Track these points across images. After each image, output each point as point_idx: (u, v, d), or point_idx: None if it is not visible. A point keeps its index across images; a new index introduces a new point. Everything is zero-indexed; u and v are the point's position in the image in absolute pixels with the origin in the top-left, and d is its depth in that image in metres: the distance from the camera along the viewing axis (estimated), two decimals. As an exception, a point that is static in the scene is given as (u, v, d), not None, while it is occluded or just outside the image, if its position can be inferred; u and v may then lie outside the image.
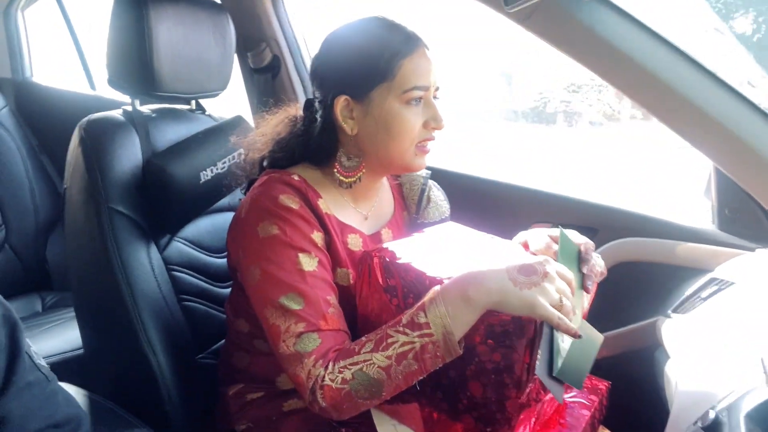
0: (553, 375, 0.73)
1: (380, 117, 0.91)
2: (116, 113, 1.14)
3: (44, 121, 2.13)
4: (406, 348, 0.76)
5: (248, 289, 0.89)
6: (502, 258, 0.78)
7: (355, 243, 0.97)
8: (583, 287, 0.87)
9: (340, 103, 0.92)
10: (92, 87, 2.18)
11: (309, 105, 0.99)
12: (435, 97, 0.95)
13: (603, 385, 1.04)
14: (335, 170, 0.96)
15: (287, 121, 1.01)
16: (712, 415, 0.59)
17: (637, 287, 1.29)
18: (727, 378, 0.73)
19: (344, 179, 0.96)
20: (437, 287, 0.78)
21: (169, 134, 1.17)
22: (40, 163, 2.10)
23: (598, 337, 0.86)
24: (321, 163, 0.98)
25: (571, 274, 0.78)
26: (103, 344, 1.08)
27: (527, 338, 0.74)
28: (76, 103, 2.09)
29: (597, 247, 1.17)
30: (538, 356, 0.73)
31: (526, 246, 0.98)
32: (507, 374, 0.76)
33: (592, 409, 0.96)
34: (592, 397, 1.00)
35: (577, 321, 0.80)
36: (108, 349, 1.08)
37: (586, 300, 0.90)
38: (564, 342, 0.77)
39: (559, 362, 0.74)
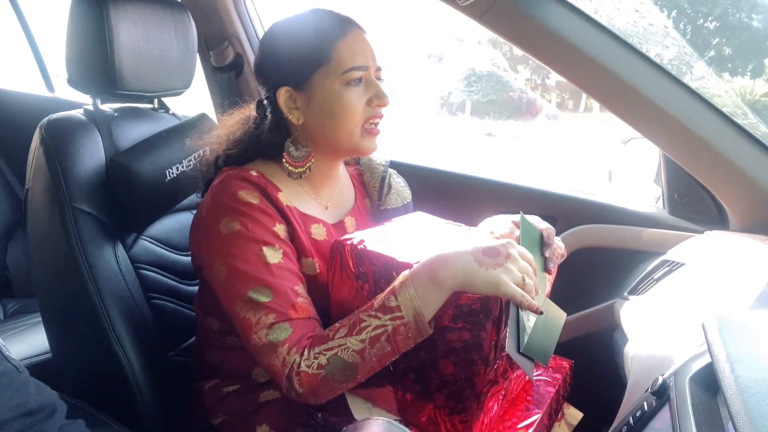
0: (521, 351, 0.77)
1: (323, 102, 0.93)
2: (77, 113, 1.12)
3: (1, 125, 2.07)
4: (378, 331, 0.79)
5: (215, 286, 0.90)
6: (468, 243, 0.81)
7: (318, 233, 0.99)
8: (546, 269, 0.92)
9: (283, 94, 0.94)
10: (50, 89, 2.13)
11: (259, 104, 1.01)
12: (379, 78, 0.96)
13: (566, 363, 1.08)
14: (284, 161, 0.97)
15: (242, 121, 1.02)
16: (660, 381, 0.63)
17: (595, 272, 1.34)
18: (676, 348, 0.78)
19: (294, 170, 0.97)
20: (407, 271, 0.81)
21: (133, 133, 1.17)
22: (-4, 167, 2.05)
23: (561, 315, 0.91)
24: (274, 157, 0.99)
25: (531, 256, 0.82)
26: (71, 346, 1.07)
27: (493, 316, 0.77)
28: (33, 106, 2.05)
29: (557, 234, 1.22)
30: (506, 334, 0.77)
31: (491, 235, 1.01)
32: (475, 352, 0.79)
33: (557, 386, 1.01)
34: (556, 375, 1.04)
35: (540, 300, 0.84)
36: (77, 351, 1.07)
37: (548, 282, 0.94)
38: (529, 320, 0.81)
39: (525, 339, 0.78)
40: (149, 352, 1.06)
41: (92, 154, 1.08)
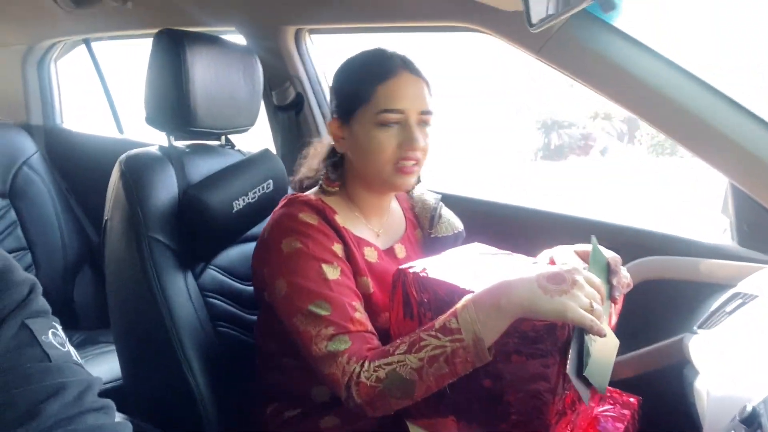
0: (582, 374, 0.75)
1: (358, 137, 0.99)
2: (153, 149, 1.20)
3: (73, 165, 2.21)
4: (437, 351, 0.79)
5: (276, 302, 0.94)
6: (531, 270, 0.81)
7: (371, 255, 1.03)
8: (611, 298, 0.90)
9: (333, 124, 1.02)
10: (120, 131, 2.26)
11: None
12: (424, 122, 0.99)
13: (634, 399, 1.05)
14: (321, 178, 1.05)
15: (322, 152, 1.11)
16: (749, 408, 0.61)
17: (661, 305, 1.30)
18: (758, 382, 0.74)
19: (327, 188, 1.05)
20: (469, 295, 0.81)
21: (202, 168, 1.23)
22: (68, 204, 2.17)
23: (615, 342, 0.88)
24: (334, 183, 1.06)
25: (599, 281, 0.81)
26: (143, 369, 1.11)
27: (561, 344, 0.76)
28: (103, 147, 2.18)
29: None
30: (574, 360, 0.76)
31: (552, 263, 1.01)
32: (543, 381, 0.78)
33: (626, 423, 0.97)
34: (624, 411, 1.01)
35: (605, 326, 0.82)
36: (148, 374, 1.11)
37: (613, 311, 0.92)
38: (592, 345, 0.80)
39: (587, 363, 0.77)
40: (216, 377, 1.09)
41: (166, 187, 1.14)
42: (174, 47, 1.13)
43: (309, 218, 0.96)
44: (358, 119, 0.99)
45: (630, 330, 1.00)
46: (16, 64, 2.16)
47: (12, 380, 0.56)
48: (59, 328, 0.64)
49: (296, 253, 0.93)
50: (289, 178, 1.25)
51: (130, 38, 2.04)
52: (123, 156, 1.16)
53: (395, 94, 0.97)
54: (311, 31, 1.62)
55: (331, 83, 1.08)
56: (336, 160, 1.06)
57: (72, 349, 0.64)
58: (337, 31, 1.63)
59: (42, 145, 2.20)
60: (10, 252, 1.99)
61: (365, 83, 0.98)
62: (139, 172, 1.12)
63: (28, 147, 2.10)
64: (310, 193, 1.04)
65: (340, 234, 0.99)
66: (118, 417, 0.78)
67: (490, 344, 0.78)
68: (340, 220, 1.00)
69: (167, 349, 1.04)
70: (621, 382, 1.11)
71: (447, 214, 1.21)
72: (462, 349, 0.78)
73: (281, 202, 1.03)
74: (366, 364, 0.84)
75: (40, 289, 0.64)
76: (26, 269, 2.02)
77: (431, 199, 1.21)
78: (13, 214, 2.03)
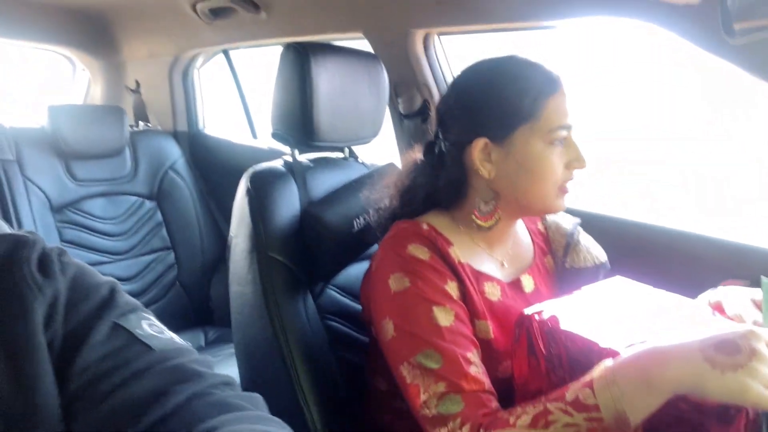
0: None
1: (523, 159, 0.86)
2: (277, 164, 1.19)
3: (212, 169, 2.34)
4: (569, 430, 0.67)
5: (383, 344, 0.86)
6: (689, 326, 0.65)
7: (492, 292, 0.90)
8: None
9: (479, 146, 0.87)
10: (254, 136, 2.35)
11: (431, 148, 0.95)
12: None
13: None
14: (473, 215, 0.90)
15: (410, 169, 0.98)
16: None
17: None
18: None
19: (483, 224, 0.91)
20: (609, 361, 0.67)
21: (325, 182, 1.20)
22: (207, 206, 2.30)
23: None
24: (450, 207, 0.93)
25: None
26: (258, 383, 1.12)
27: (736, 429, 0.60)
28: (238, 153, 2.27)
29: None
30: None
31: (719, 308, 0.82)
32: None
33: None
34: None
35: None
36: (262, 390, 1.10)
37: None
38: None
39: None
40: (329, 401, 1.05)
41: (288, 204, 1.12)
42: (299, 61, 1.10)
43: (419, 252, 0.85)
44: (520, 138, 0.86)
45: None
46: (164, 74, 2.32)
47: (121, 381, 0.55)
48: (153, 318, 0.63)
49: (405, 293, 0.83)
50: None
51: (266, 46, 2.10)
52: (249, 171, 1.15)
53: (564, 109, 0.86)
54: (440, 34, 1.53)
55: (448, 97, 0.94)
56: (480, 189, 0.91)
57: (174, 335, 0.62)
58: (469, 33, 1.52)
59: (186, 150, 2.35)
60: (155, 251, 2.16)
61: (530, 97, 0.85)
62: (264, 189, 1.11)
63: (174, 152, 2.26)
64: (420, 220, 0.92)
65: (455, 270, 0.87)
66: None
67: (637, 425, 0.64)
68: (455, 253, 0.88)
69: (281, 369, 1.02)
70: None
71: (586, 241, 1.04)
72: (600, 429, 0.65)
73: (390, 231, 0.92)
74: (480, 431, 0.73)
75: (120, 287, 0.62)
76: (168, 268, 2.18)
77: (567, 222, 1.06)
78: (159, 216, 2.19)
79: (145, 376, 0.56)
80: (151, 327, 0.63)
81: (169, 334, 0.63)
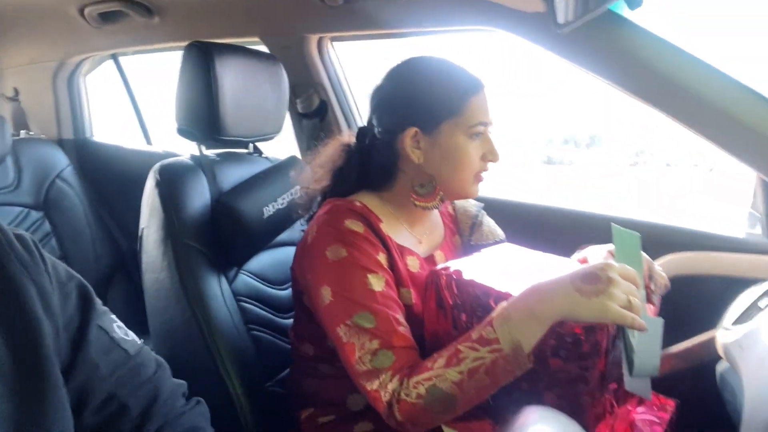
0: (633, 374, 0.75)
1: (446, 149, 0.98)
2: (185, 158, 1.23)
3: (103, 176, 2.27)
4: (477, 363, 0.79)
5: (319, 310, 0.94)
6: (565, 271, 0.80)
7: (413, 264, 1.02)
8: (649, 301, 0.89)
9: (410, 133, 0.98)
10: (148, 142, 2.31)
11: (364, 133, 1.06)
12: (490, 133, 1.02)
13: (671, 402, 1.04)
14: (413, 199, 1.01)
15: (342, 151, 1.08)
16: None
17: (691, 302, 1.29)
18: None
19: (426, 204, 1.01)
20: (504, 303, 0.81)
21: (233, 175, 1.26)
22: (99, 215, 2.23)
23: (658, 321, 0.85)
24: (379, 189, 1.04)
25: (632, 270, 0.79)
26: (180, 372, 1.13)
27: (602, 348, 0.76)
28: (131, 158, 2.23)
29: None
30: (613, 361, 0.75)
31: (585, 262, 1.00)
32: (582, 384, 0.77)
33: (664, 425, 0.96)
34: (662, 414, 1.00)
35: (644, 314, 0.80)
36: (185, 377, 1.13)
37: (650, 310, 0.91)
38: (634, 337, 0.79)
39: (633, 359, 0.76)
40: (251, 380, 1.11)
41: (200, 195, 1.17)
42: (203, 59, 1.16)
43: (355, 226, 0.94)
44: (446, 130, 0.97)
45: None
46: (47, 80, 2.22)
47: (111, 388, 0.64)
48: (114, 316, 0.70)
49: (342, 262, 0.91)
50: (297, 194, 1.20)
51: (157, 51, 2.09)
52: (157, 165, 1.19)
53: (484, 107, 0.99)
54: (333, 39, 1.65)
55: (383, 87, 1.03)
56: (411, 173, 1.01)
57: (133, 335, 0.71)
58: (359, 38, 1.66)
59: (74, 158, 2.26)
60: (45, 263, 2.06)
61: (457, 95, 0.96)
62: (173, 181, 1.15)
63: (61, 160, 2.16)
64: (353, 199, 1.01)
65: (384, 243, 0.97)
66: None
67: (529, 351, 0.77)
68: (384, 227, 0.99)
69: (204, 352, 1.07)
70: (653, 382, 1.11)
71: (488, 222, 1.20)
72: (502, 358, 0.77)
73: (323, 207, 1.00)
74: (405, 381, 0.83)
75: (88, 285, 0.68)
76: (61, 279, 2.09)
77: (473, 205, 1.21)
78: (47, 226, 2.09)
79: (127, 390, 0.65)
80: (119, 329, 0.70)
81: (132, 335, 0.71)
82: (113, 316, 0.69)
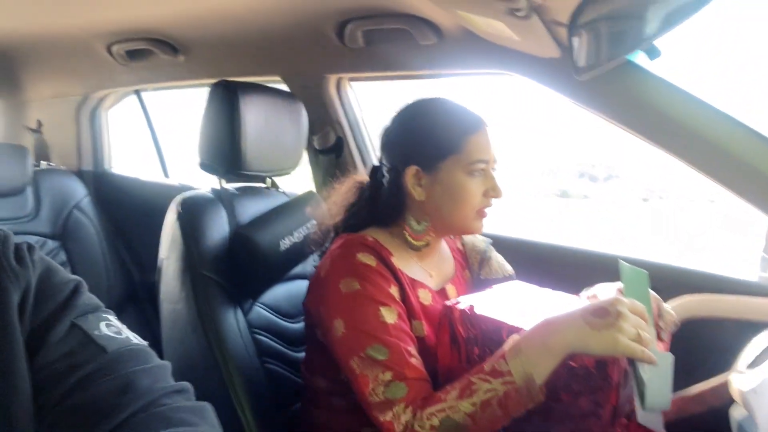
0: (645, 408, 0.76)
1: (447, 186, 1.01)
2: (206, 191, 1.27)
3: (120, 208, 2.31)
4: (489, 395, 0.80)
5: (332, 342, 0.95)
6: (575, 306, 0.82)
7: (425, 297, 1.04)
8: (659, 338, 0.90)
9: (411, 172, 1.02)
10: (166, 174, 2.36)
11: (375, 171, 1.10)
12: (493, 169, 1.05)
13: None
14: (406, 234, 1.04)
15: (355, 188, 1.12)
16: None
17: (704, 344, 1.29)
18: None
19: (414, 242, 1.05)
20: (516, 336, 0.83)
21: (251, 209, 1.29)
22: (114, 246, 2.26)
23: (667, 356, 0.87)
24: (388, 224, 1.07)
25: (641, 305, 0.81)
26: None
27: (614, 381, 0.77)
28: (148, 190, 2.28)
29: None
30: (626, 396, 0.76)
31: (594, 299, 1.02)
32: (594, 417, 0.78)
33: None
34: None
35: (653, 348, 0.82)
36: (197, 400, 1.14)
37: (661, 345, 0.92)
38: (645, 372, 0.80)
39: (645, 392, 0.77)
40: (264, 411, 1.11)
41: (219, 227, 1.20)
42: (229, 97, 1.21)
43: (367, 259, 0.97)
44: (445, 168, 1.00)
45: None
46: (71, 113, 2.29)
47: (76, 383, 0.58)
48: (113, 318, 0.65)
49: (355, 295, 0.94)
50: (312, 228, 1.21)
51: (180, 88, 2.16)
52: (179, 197, 1.22)
53: (484, 146, 1.01)
54: (351, 79, 1.71)
55: (390, 128, 1.07)
56: (414, 210, 1.04)
57: (131, 334, 0.65)
58: (376, 79, 1.71)
59: (91, 189, 2.31)
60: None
61: (456, 134, 1.00)
62: (194, 213, 1.18)
63: (79, 191, 2.21)
64: (364, 234, 1.04)
65: (396, 276, 0.99)
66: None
67: (541, 383, 0.79)
68: (396, 261, 1.01)
69: (219, 382, 1.08)
70: (666, 426, 1.10)
71: (497, 257, 1.23)
72: (514, 390, 0.79)
73: (336, 242, 1.03)
74: (419, 412, 0.84)
75: (85, 287, 0.65)
76: (74, 308, 2.10)
77: (481, 241, 1.24)
78: (62, 255, 2.12)
79: (93, 385, 0.58)
80: (108, 327, 0.65)
81: (127, 334, 0.66)
82: (106, 314, 0.65)
